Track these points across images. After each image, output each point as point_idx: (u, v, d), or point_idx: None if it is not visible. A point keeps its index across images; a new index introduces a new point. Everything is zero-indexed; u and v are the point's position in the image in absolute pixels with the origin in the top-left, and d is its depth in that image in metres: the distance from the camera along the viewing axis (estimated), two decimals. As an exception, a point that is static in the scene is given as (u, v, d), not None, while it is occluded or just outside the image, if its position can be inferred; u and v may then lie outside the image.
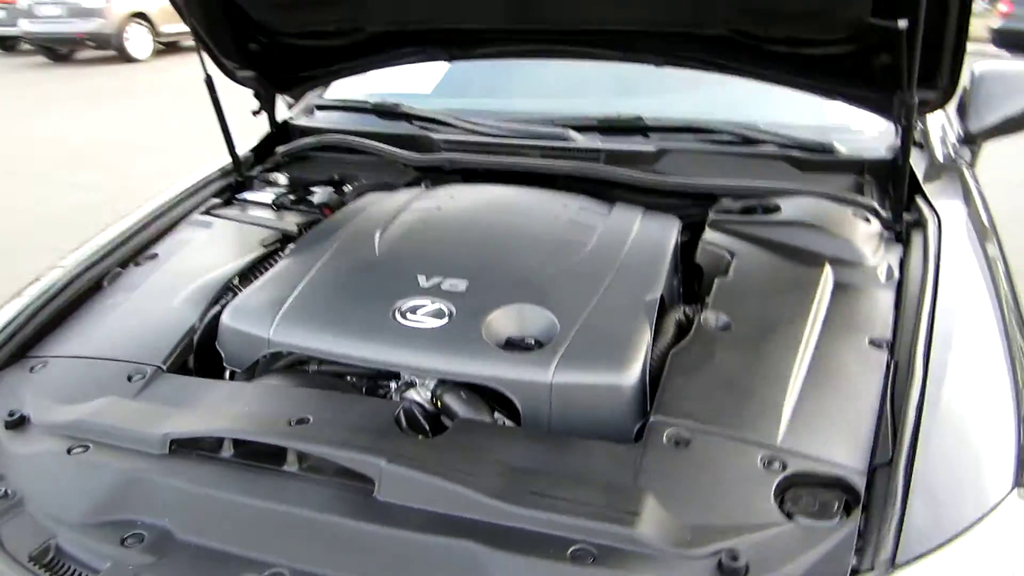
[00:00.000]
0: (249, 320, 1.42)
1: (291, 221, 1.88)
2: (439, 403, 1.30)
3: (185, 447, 1.18)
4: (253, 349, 1.40)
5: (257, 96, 2.14)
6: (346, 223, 1.75)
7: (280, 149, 2.19)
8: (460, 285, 1.45)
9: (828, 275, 1.50)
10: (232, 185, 2.07)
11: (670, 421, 1.17)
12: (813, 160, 1.91)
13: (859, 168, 1.91)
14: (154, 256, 1.73)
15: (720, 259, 1.62)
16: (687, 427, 1.16)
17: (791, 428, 1.15)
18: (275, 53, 2.04)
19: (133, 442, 1.19)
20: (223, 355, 1.44)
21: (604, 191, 1.88)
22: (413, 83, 2.47)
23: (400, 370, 1.34)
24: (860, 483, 1.06)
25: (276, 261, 1.69)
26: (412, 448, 1.15)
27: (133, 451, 1.18)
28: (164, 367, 1.38)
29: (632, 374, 1.25)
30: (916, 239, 1.62)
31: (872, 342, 1.33)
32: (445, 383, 1.31)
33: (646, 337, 1.32)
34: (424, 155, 2.07)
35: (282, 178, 2.11)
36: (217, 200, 1.99)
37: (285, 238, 1.81)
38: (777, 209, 1.75)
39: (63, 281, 1.59)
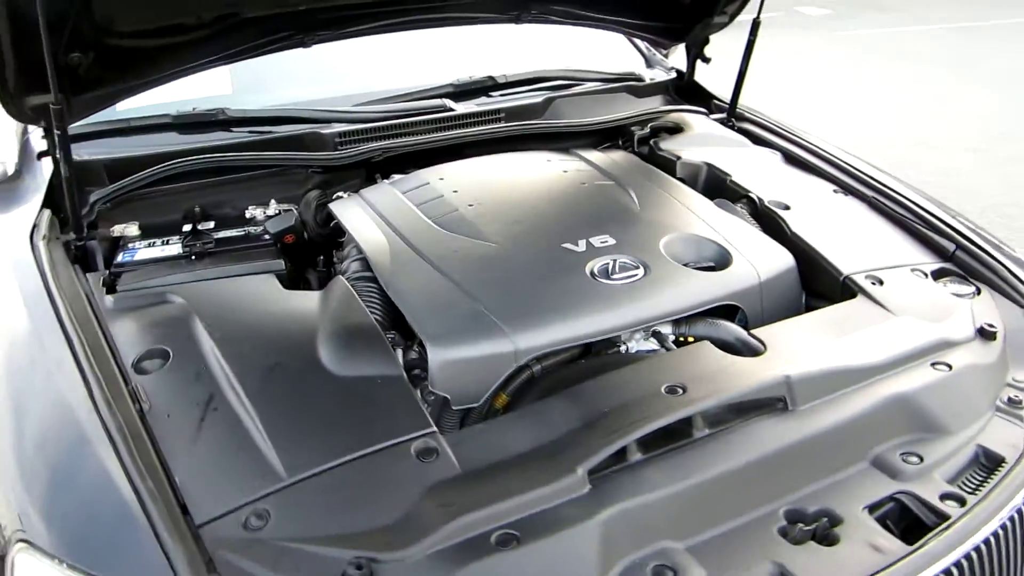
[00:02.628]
0: (473, 342, 1.30)
1: (264, 264, 1.62)
2: (688, 339, 1.45)
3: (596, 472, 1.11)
4: (496, 369, 1.31)
5: (48, 132, 1.55)
6: (394, 234, 1.61)
7: (101, 194, 1.71)
8: (606, 239, 1.57)
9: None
10: (76, 255, 1.61)
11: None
12: (642, 87, 2.36)
13: (666, 88, 2.43)
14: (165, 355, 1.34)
15: (699, 169, 2.01)
16: None
17: None
18: (96, 64, 1.57)
19: (553, 498, 1.07)
20: (450, 398, 1.31)
21: (532, 144, 2.06)
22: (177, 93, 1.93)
23: (643, 326, 1.42)
24: None
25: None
26: (767, 363, 1.32)
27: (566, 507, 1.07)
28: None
29: (790, 255, 1.61)
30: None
31: None
32: (679, 321, 1.46)
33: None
34: (346, 151, 1.89)
35: (132, 228, 1.73)
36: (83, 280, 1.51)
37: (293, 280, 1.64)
38: (680, 129, 2.23)
39: None
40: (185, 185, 1.83)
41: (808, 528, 1.08)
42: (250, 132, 1.97)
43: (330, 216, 1.81)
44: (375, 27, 1.94)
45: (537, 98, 2.19)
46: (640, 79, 2.42)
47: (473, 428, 1.28)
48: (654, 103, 2.38)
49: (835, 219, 1.80)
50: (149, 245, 1.69)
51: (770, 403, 1.26)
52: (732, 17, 2.23)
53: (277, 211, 1.83)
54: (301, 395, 1.25)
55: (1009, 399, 1.34)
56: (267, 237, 1.73)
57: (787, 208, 1.80)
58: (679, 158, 2.05)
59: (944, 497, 1.14)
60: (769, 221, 1.78)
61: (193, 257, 1.65)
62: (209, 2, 1.67)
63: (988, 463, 1.23)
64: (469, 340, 1.32)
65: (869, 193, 1.91)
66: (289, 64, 2.09)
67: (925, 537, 1.07)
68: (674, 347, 1.47)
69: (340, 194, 1.89)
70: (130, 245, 1.68)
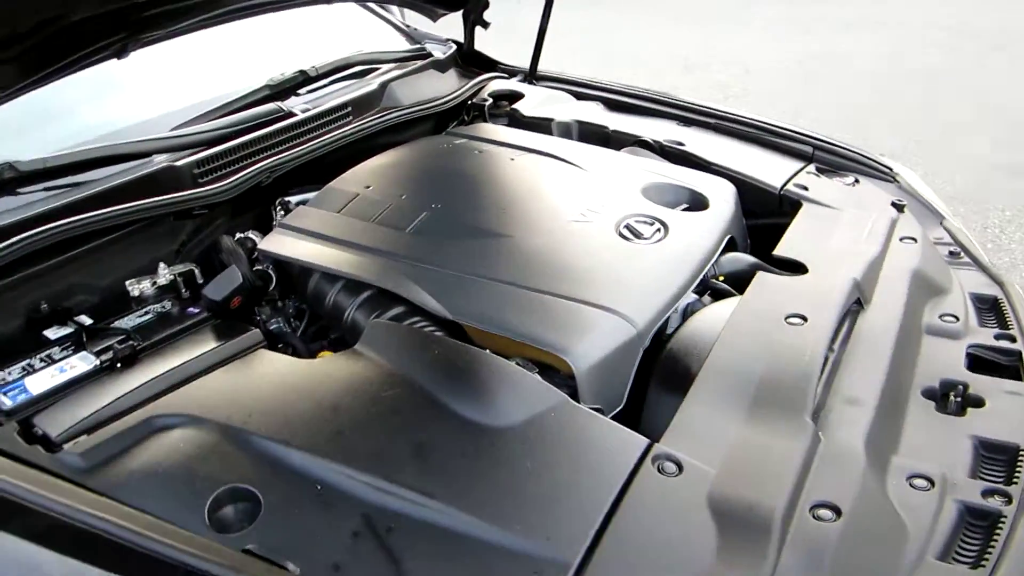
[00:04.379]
0: (601, 338, 1.21)
1: (240, 341, 1.25)
2: (719, 278, 1.51)
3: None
4: (629, 358, 1.23)
5: None
6: (385, 259, 1.38)
7: None
8: (593, 208, 1.52)
9: None
10: None
11: None
12: (442, 62, 2.27)
13: (455, 61, 2.35)
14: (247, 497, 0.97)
15: (570, 126, 2.06)
16: None
17: None
18: None
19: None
20: (603, 408, 1.17)
21: (395, 133, 1.94)
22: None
23: (702, 274, 1.41)
24: None
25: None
26: (823, 274, 1.41)
27: None
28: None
29: (730, 184, 1.73)
30: None
31: None
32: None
33: None
34: (229, 183, 1.54)
35: None
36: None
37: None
38: (517, 94, 2.22)
39: None
40: (12, 279, 1.29)
41: (958, 399, 1.20)
42: (47, 189, 1.43)
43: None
44: (203, 20, 1.55)
45: (372, 85, 2.00)
46: (429, 54, 2.32)
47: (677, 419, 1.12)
48: (454, 75, 2.32)
49: (721, 147, 1.94)
50: (26, 372, 1.17)
51: (851, 308, 1.35)
52: None
53: (168, 277, 1.40)
54: (476, 469, 1.00)
55: (950, 253, 1.63)
56: (195, 310, 1.32)
57: (683, 145, 1.90)
58: (552, 120, 2.02)
59: (998, 338, 1.35)
60: (678, 158, 1.86)
61: (119, 365, 1.19)
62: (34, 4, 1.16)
63: (985, 304, 1.48)
64: (595, 337, 1.19)
65: (711, 121, 2.10)
66: (44, 99, 1.54)
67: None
68: (718, 284, 1.48)
69: (245, 235, 1.51)
70: None
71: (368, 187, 1.59)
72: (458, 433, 1.04)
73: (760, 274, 1.41)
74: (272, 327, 1.42)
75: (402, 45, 2.38)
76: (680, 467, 1.00)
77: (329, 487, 0.96)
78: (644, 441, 1.03)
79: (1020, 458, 1.06)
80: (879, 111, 5.16)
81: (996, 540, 0.94)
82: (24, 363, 1.20)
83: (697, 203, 1.61)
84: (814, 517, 0.94)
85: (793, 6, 8.10)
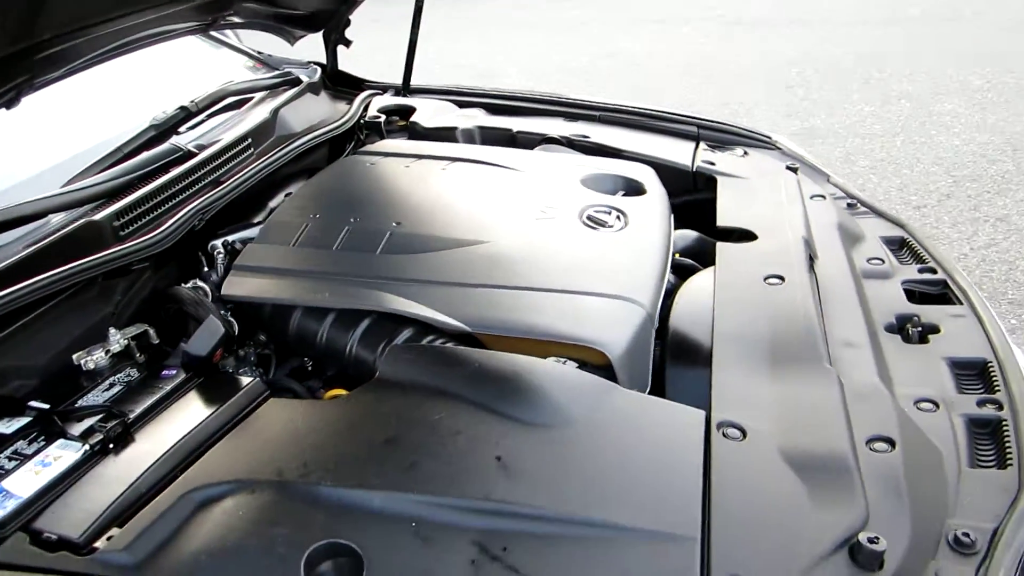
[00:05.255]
0: (621, 326, 1.22)
1: (245, 395, 1.14)
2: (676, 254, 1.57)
3: None
4: (646, 341, 1.25)
5: None
6: (371, 290, 1.29)
7: None
8: (554, 204, 1.55)
9: None
10: None
11: None
12: (315, 84, 2.16)
13: (323, 83, 2.29)
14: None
15: (473, 133, 2.07)
16: None
17: None
18: None
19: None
20: None
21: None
22: None
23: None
24: None
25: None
26: (774, 236, 1.53)
27: None
28: None
29: (649, 167, 1.80)
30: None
31: None
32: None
33: None
34: (161, 232, 1.39)
35: None
36: None
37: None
38: (408, 109, 2.19)
39: None
40: None
41: (918, 329, 1.35)
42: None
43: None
44: (102, 54, 1.40)
45: (264, 114, 1.89)
46: (297, 79, 2.21)
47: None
48: (328, 98, 2.26)
49: (620, 136, 2.03)
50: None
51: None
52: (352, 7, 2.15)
53: (123, 342, 1.24)
54: (563, 471, 0.98)
55: (847, 204, 1.82)
56: (172, 371, 1.18)
57: (587, 137, 1.97)
58: (455, 128, 2.01)
59: (922, 271, 1.53)
60: (591, 150, 1.92)
61: (111, 446, 1.04)
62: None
63: (894, 245, 1.65)
64: (617, 324, 1.21)
65: (595, 114, 2.19)
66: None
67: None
68: (682, 260, 1.56)
69: (190, 284, 1.38)
70: None
71: (314, 215, 1.50)
72: (530, 440, 1.01)
73: (721, 244, 1.50)
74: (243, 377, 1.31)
75: (260, 73, 2.27)
76: (743, 432, 1.04)
77: (424, 522, 0.91)
78: (701, 413, 1.07)
79: (990, 368, 1.22)
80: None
81: (1009, 442, 1.07)
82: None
83: (633, 189, 1.67)
84: (872, 451, 1.02)
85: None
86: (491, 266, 1.34)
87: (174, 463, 1.00)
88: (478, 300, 1.26)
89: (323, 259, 1.37)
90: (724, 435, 1.04)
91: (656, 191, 1.66)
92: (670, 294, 1.42)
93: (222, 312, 1.33)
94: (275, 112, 1.90)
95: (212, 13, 1.75)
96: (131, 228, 1.39)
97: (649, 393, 1.24)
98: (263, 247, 1.44)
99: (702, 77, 6.05)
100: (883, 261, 1.56)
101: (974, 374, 1.23)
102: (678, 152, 1.94)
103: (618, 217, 1.50)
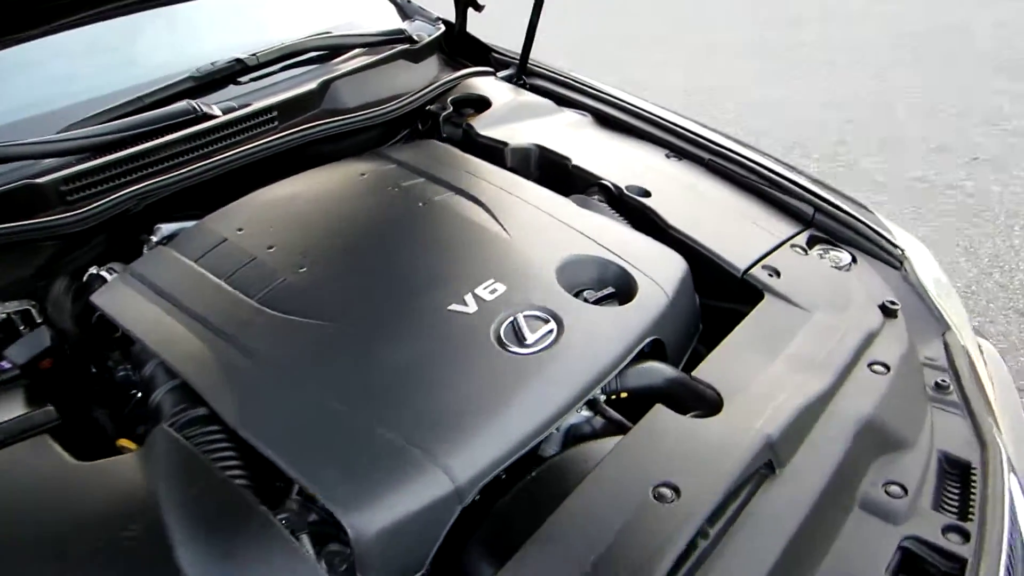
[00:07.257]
0: (399, 491, 0.95)
1: (23, 419, 1.09)
2: (620, 395, 1.21)
3: None
4: (437, 518, 0.98)
5: None
6: (209, 333, 1.16)
7: None
8: (493, 285, 1.24)
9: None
10: None
11: None
12: (416, 50, 1.99)
13: (439, 45, 2.10)
14: None
15: (529, 153, 1.76)
16: None
17: None
18: None
19: None
20: None
21: (321, 146, 1.70)
22: None
23: (585, 399, 1.13)
24: None
25: None
26: (735, 419, 1.12)
27: None
28: None
29: (681, 259, 1.40)
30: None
31: None
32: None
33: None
34: (87, 207, 1.35)
35: None
36: None
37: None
38: (484, 101, 1.93)
39: None
40: None
41: None
42: None
43: (89, 308, 1.28)
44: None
45: (310, 83, 1.76)
46: (409, 38, 2.01)
47: None
48: (432, 66, 2.06)
49: (695, 199, 1.63)
50: None
51: (756, 472, 1.08)
52: None
53: (1, 315, 1.25)
54: None
55: (936, 384, 1.31)
56: (7, 364, 1.17)
57: (648, 195, 1.60)
58: (507, 144, 1.74)
59: (946, 531, 1.06)
60: (634, 212, 1.57)
61: None
62: None
63: (955, 471, 1.18)
64: (392, 490, 0.94)
65: (705, 156, 1.78)
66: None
67: None
68: (607, 410, 1.21)
69: (96, 271, 1.35)
70: None
71: (240, 230, 1.37)
72: None
73: (656, 409, 1.13)
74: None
75: (388, 23, 2.13)
76: None
77: None
78: None
79: None
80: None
81: None
82: None
83: (623, 290, 1.33)
84: None
85: None
86: (327, 359, 1.11)
87: None
88: (278, 398, 1.05)
89: (204, 290, 1.24)
90: None
91: (649, 302, 1.28)
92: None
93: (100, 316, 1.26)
94: (325, 84, 1.76)
95: None
96: (79, 196, 1.39)
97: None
98: (170, 254, 1.33)
99: None
100: (905, 492, 1.10)
101: None
102: (751, 241, 1.51)
103: (550, 331, 1.19)
